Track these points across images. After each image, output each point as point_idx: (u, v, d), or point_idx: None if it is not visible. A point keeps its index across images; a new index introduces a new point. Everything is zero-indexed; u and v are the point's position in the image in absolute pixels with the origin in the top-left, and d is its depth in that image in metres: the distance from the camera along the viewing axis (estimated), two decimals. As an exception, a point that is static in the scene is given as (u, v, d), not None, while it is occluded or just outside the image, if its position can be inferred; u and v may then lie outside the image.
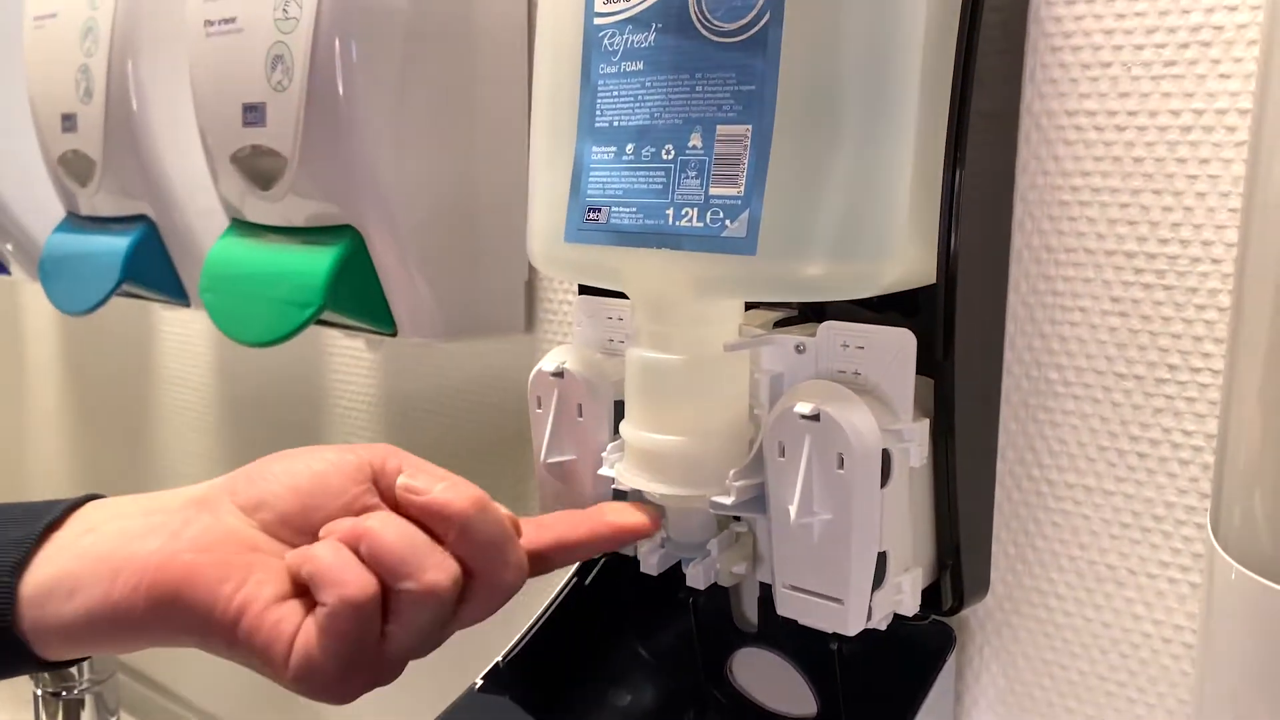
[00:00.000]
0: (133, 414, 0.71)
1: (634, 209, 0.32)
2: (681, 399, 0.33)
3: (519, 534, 0.32)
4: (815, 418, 0.30)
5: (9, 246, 0.62)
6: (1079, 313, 0.33)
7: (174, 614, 0.29)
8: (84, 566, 0.30)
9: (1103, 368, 0.33)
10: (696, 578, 0.34)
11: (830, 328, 0.33)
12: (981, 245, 0.34)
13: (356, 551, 0.29)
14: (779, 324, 0.36)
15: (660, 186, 0.31)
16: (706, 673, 0.42)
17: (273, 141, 0.40)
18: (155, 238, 0.50)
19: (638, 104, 0.32)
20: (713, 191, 0.30)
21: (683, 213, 0.31)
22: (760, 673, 0.41)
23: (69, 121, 0.50)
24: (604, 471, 0.35)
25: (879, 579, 0.31)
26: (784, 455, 0.31)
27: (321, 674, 0.28)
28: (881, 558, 0.31)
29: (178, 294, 0.51)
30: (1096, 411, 0.33)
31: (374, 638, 0.29)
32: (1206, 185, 0.31)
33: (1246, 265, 0.24)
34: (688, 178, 0.31)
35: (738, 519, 0.36)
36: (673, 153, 0.31)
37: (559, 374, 0.37)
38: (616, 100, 0.32)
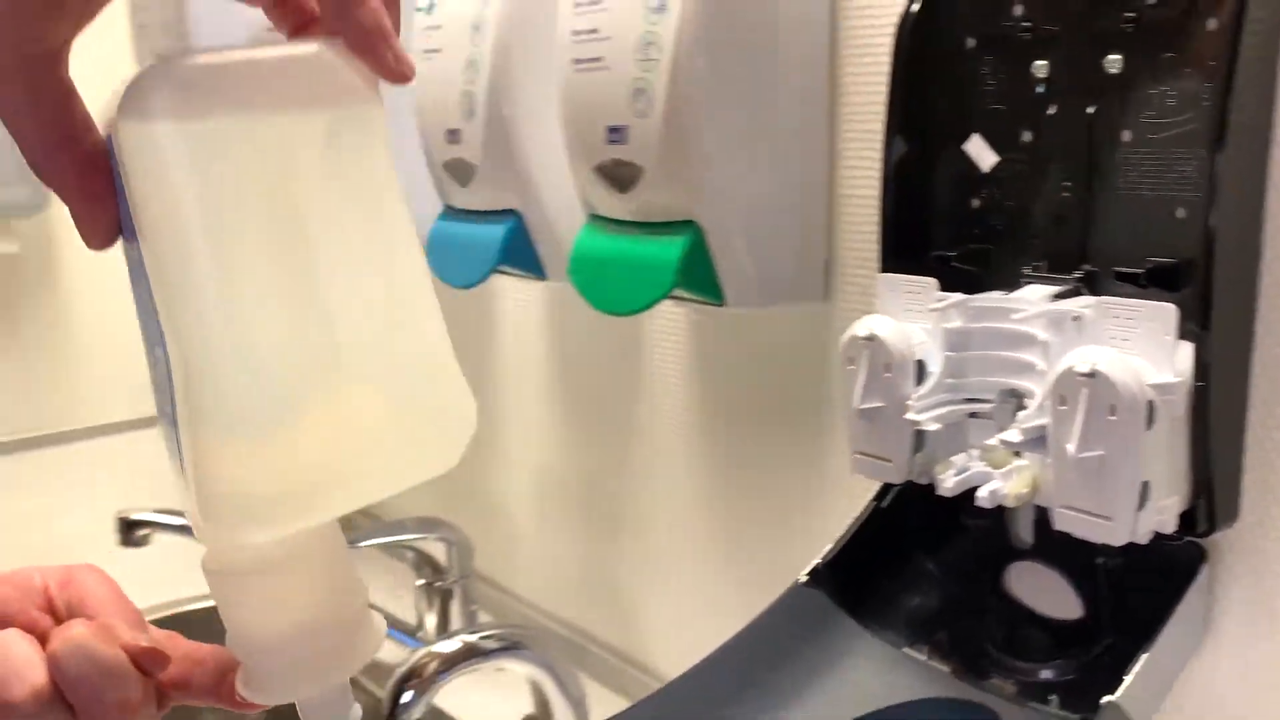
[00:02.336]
0: (474, 360, 0.86)
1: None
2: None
3: (153, 666, 0.31)
4: (1092, 375, 0.38)
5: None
6: (1326, 287, 0.39)
7: None
8: None
9: (1347, 333, 0.39)
10: (985, 500, 0.43)
11: (1103, 303, 0.40)
12: (1237, 228, 0.40)
13: None
14: (1057, 295, 0.44)
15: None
16: (985, 583, 0.51)
17: (633, 156, 0.51)
18: (523, 228, 0.62)
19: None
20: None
21: None
22: (1032, 584, 0.49)
23: (453, 135, 0.63)
24: (909, 416, 0.45)
25: (1142, 502, 0.39)
26: (1064, 405, 0.39)
27: None
28: (1145, 485, 0.39)
29: (538, 271, 0.64)
30: (1340, 370, 0.40)
31: None
32: None
33: None
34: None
35: (1019, 454, 0.44)
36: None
37: (870, 338, 0.46)
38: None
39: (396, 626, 0.80)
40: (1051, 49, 0.44)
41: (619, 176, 0.53)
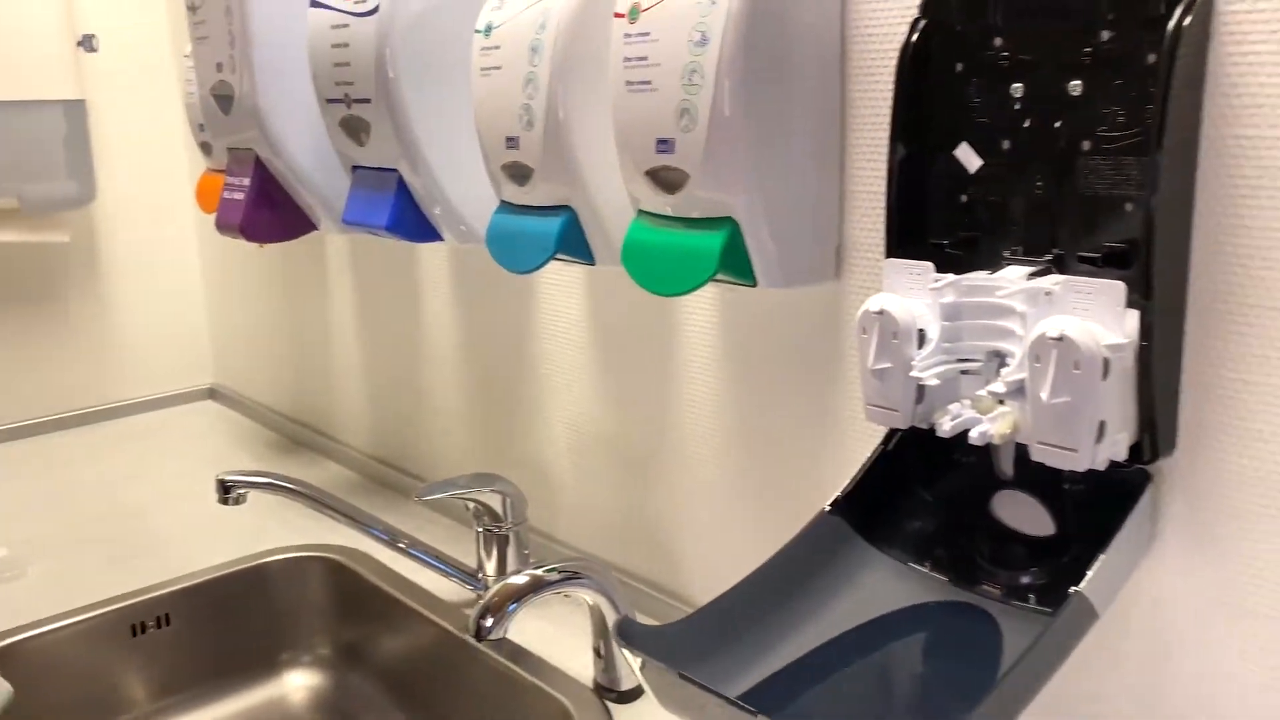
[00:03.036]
0: (518, 334, 0.96)
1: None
2: None
3: None
4: (1060, 339, 0.49)
5: (437, 210, 0.87)
6: (1240, 268, 0.51)
7: None
8: None
9: (1254, 301, 0.50)
10: (975, 439, 0.54)
11: (1068, 281, 0.51)
12: (1172, 219, 0.51)
13: None
14: (1031, 275, 0.55)
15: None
16: (974, 509, 0.62)
17: (679, 164, 0.62)
18: (575, 221, 0.72)
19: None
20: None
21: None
22: (1012, 508, 0.60)
23: (512, 142, 0.73)
24: (913, 374, 0.56)
25: (1100, 437, 0.50)
26: (1039, 362, 0.50)
27: None
28: (1102, 424, 0.50)
29: (588, 258, 0.74)
30: (1250, 333, 0.51)
31: None
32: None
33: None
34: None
35: (1002, 402, 0.55)
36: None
37: (880, 312, 0.57)
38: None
39: (459, 569, 0.91)
40: (1025, 74, 0.55)
41: (667, 180, 0.63)
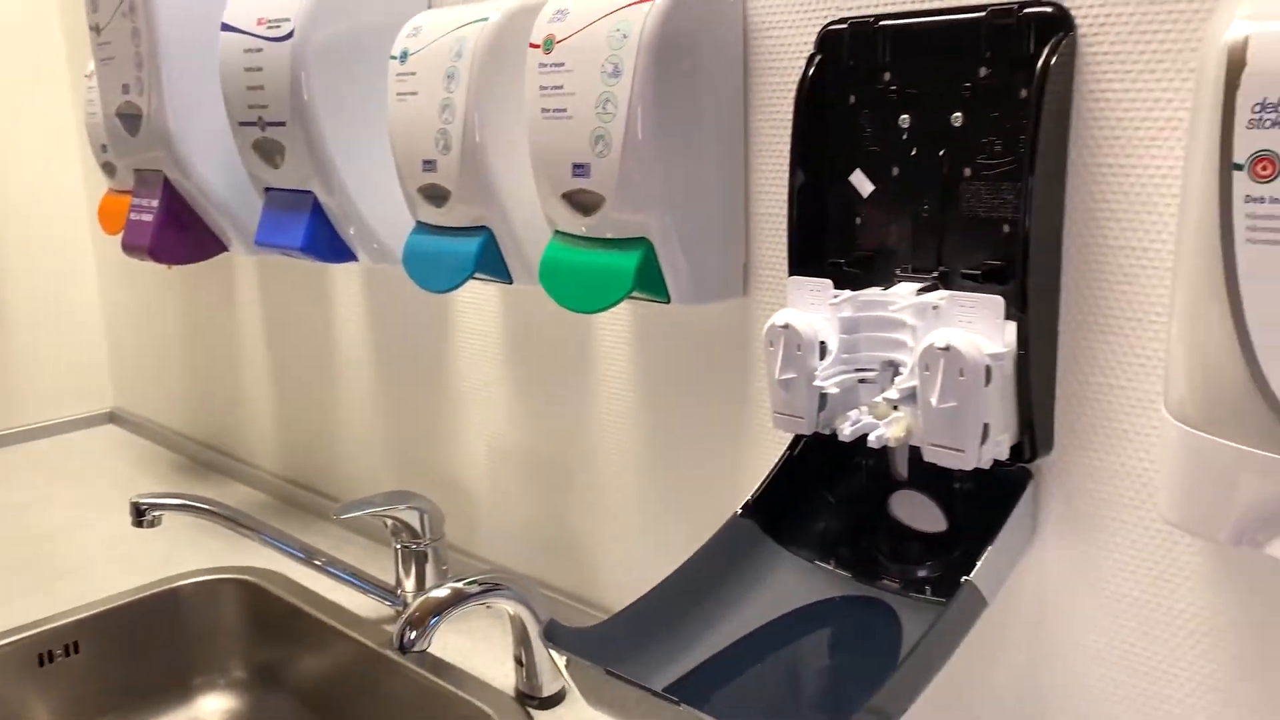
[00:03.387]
0: (433, 352, 0.98)
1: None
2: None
3: None
4: (946, 349, 0.54)
5: (351, 230, 0.89)
6: (1105, 283, 0.56)
7: None
8: None
9: (1118, 313, 0.56)
10: (873, 442, 0.58)
11: (953, 295, 0.56)
12: (1044, 239, 0.56)
13: None
14: (920, 290, 0.60)
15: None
16: (873, 509, 0.66)
17: (595, 188, 0.65)
18: (493, 241, 0.75)
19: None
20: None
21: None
22: (908, 507, 0.65)
23: (429, 165, 0.75)
24: (816, 383, 0.60)
25: (984, 438, 0.55)
26: (928, 370, 0.55)
27: None
28: (986, 426, 0.55)
29: (505, 277, 0.77)
30: (1115, 342, 0.56)
31: None
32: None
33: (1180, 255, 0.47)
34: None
35: (896, 408, 0.60)
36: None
37: (785, 326, 0.61)
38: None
39: (378, 585, 0.92)
40: (912, 106, 0.60)
41: (583, 203, 0.66)
